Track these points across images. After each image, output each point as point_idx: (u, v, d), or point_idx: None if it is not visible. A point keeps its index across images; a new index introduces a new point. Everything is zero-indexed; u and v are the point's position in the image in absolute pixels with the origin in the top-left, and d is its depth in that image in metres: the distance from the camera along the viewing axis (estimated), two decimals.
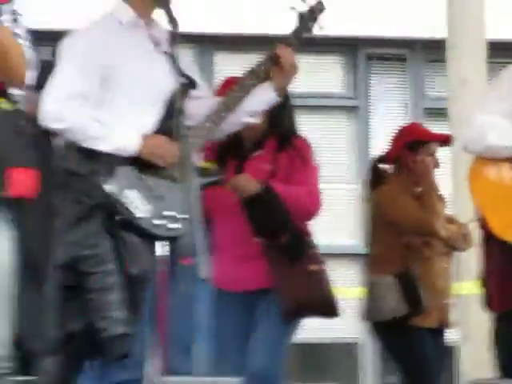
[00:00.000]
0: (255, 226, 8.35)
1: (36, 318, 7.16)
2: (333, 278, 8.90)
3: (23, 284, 6.93)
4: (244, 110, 7.46)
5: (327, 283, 8.62)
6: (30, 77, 6.72)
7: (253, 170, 8.33)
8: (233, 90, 7.46)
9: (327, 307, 8.62)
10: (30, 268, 7.50)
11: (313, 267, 8.51)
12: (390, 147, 11.10)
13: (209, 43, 19.67)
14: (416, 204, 10.68)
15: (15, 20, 7.11)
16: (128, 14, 7.06)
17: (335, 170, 19.73)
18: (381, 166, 11.16)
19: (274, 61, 7.43)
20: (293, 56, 7.64)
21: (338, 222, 19.55)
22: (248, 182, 8.19)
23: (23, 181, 6.79)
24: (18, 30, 7.07)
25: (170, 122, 6.79)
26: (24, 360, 7.33)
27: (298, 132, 8.83)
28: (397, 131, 11.40)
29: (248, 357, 8.17)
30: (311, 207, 8.51)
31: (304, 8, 7.76)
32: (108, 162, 6.82)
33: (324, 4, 7.79)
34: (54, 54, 7.83)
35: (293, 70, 7.59)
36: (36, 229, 7.89)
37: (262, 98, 7.55)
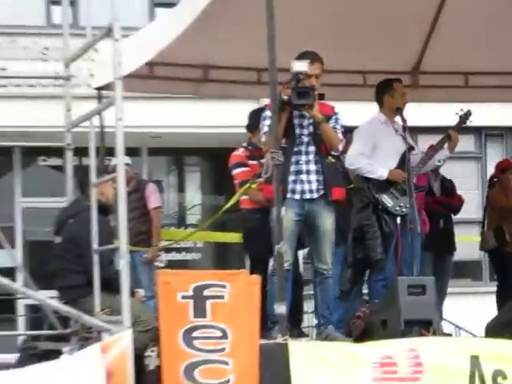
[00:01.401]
0: None
1: None
2: None
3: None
4: (436, 159, 14.15)
5: None
6: None
7: None
8: (430, 150, 14.16)
9: None
10: (340, 230, 12.55)
11: None
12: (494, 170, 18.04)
13: None
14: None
15: None
16: (383, 117, 13.21)
17: None
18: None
19: (449, 138, 13.95)
20: (457, 136, 14.30)
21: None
22: None
23: (341, 193, 12.28)
24: None
25: (403, 164, 12.98)
26: None
27: None
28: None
29: None
30: None
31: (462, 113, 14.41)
32: (375, 183, 13.07)
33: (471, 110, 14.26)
34: None
35: (457, 142, 14.27)
36: (345, 211, 13.06)
37: (443, 153, 14.26)
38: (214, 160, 27.31)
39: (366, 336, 10.69)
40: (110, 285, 10.44)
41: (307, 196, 11.25)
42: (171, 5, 20.12)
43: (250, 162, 12.73)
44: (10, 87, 21.69)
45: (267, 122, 11.03)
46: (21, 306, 20.15)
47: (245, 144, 13.72)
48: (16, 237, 21.83)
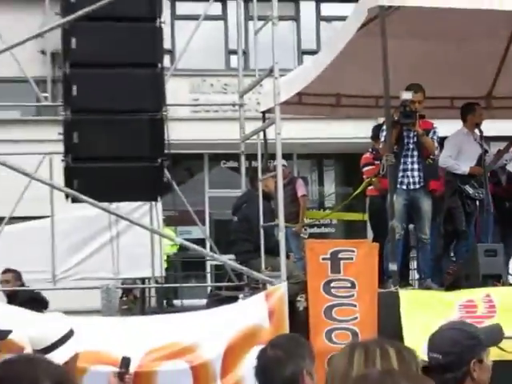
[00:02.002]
0: None
1: None
2: None
3: None
4: (504, 159, 13.19)
5: None
6: None
7: None
8: (499, 153, 13.10)
9: None
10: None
11: None
12: None
13: None
14: None
15: None
16: (465, 130, 12.55)
17: None
18: None
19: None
20: None
21: None
22: None
23: (436, 185, 12.35)
24: None
25: (480, 163, 12.25)
26: None
27: None
28: None
29: None
30: None
31: None
32: (460, 176, 12.37)
33: None
34: None
35: None
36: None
37: (509, 155, 13.11)
38: (344, 161, 26.62)
39: (454, 286, 10.82)
40: (272, 250, 10.63)
41: (411, 187, 11.28)
42: (314, 52, 20.55)
43: (376, 162, 12.86)
44: (201, 112, 21.89)
45: (383, 134, 11.29)
46: (209, 265, 20.12)
47: (370, 149, 13.86)
48: (205, 217, 21.81)
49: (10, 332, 7.08)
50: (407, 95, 10.91)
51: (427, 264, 11.78)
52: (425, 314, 9.67)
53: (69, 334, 6.20)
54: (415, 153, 11.29)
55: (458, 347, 3.68)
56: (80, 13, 9.58)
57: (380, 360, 2.78)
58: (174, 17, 22.38)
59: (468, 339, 3.77)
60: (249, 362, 9.31)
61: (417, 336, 9.02)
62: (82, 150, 10.06)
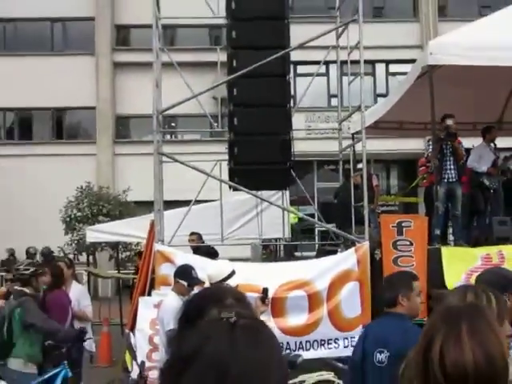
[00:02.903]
0: None
1: None
2: None
3: None
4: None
5: None
6: None
7: None
8: (506, 159, 11.78)
9: None
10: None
11: None
12: None
13: None
14: None
15: None
16: (485, 144, 11.96)
17: None
18: None
19: None
20: None
21: None
22: None
23: (465, 179, 11.82)
24: None
25: (494, 165, 11.81)
26: None
27: None
28: None
29: None
30: None
31: None
32: (480, 173, 11.85)
33: None
34: None
35: None
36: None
37: None
38: (402, 165, 26.67)
39: (477, 245, 10.69)
40: (358, 221, 10.69)
41: (450, 180, 11.09)
42: (385, 95, 20.55)
43: (427, 164, 12.74)
44: (312, 134, 21.81)
45: (431, 147, 11.39)
46: (317, 230, 19.71)
47: (424, 156, 13.88)
48: (315, 200, 21.86)
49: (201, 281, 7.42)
50: (450, 122, 10.97)
51: (459, 230, 11.74)
52: (457, 262, 9.73)
53: (232, 273, 6.69)
54: (451, 158, 11.21)
55: (499, 283, 3.62)
56: (239, 73, 9.87)
57: (485, 301, 2.83)
58: (296, 74, 22.22)
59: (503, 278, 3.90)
60: (344, 292, 9.65)
61: (452, 277, 9.24)
62: (239, 158, 10.35)
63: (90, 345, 8.85)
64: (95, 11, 26.28)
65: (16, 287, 7.39)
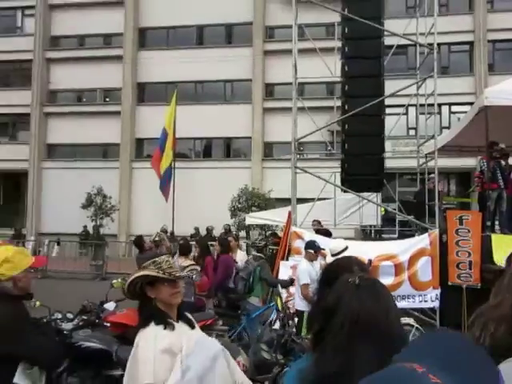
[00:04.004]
0: None
1: None
2: None
3: None
4: None
5: None
6: None
7: None
8: None
9: None
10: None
11: None
12: None
13: None
14: None
15: None
16: None
17: None
18: None
19: None
20: None
21: None
22: None
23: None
24: None
25: None
26: None
27: None
28: None
29: None
30: None
31: None
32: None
33: None
34: None
35: None
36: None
37: None
38: (459, 175, 24.32)
39: None
40: (431, 214, 10.25)
41: (500, 187, 10.37)
42: (448, 127, 19.58)
43: (481, 175, 11.79)
44: (398, 154, 20.90)
45: (484, 163, 10.53)
46: (397, 220, 19.08)
47: (478, 170, 12.88)
48: (396, 198, 21.44)
49: (321, 248, 7.35)
50: (502, 145, 10.26)
51: (505, 221, 10.83)
52: (503, 245, 8.92)
53: (346, 248, 6.51)
54: (500, 171, 10.47)
55: None
56: (349, 114, 9.75)
57: None
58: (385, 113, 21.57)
59: None
60: (420, 263, 9.27)
61: (499, 255, 8.62)
62: (348, 171, 10.23)
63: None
64: (252, 75, 26.80)
65: (254, 253, 8.03)
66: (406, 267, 9.25)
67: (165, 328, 2.27)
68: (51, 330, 3.78)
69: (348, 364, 1.36)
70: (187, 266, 6.45)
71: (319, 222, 12.40)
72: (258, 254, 7.60)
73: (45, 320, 4.73)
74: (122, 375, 4.46)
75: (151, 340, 2.21)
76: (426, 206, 10.61)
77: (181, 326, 2.36)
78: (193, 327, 2.46)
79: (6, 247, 2.76)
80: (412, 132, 23.31)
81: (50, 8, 29.63)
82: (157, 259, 2.47)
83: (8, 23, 30.25)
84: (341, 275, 1.88)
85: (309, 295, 6.51)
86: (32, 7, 29.48)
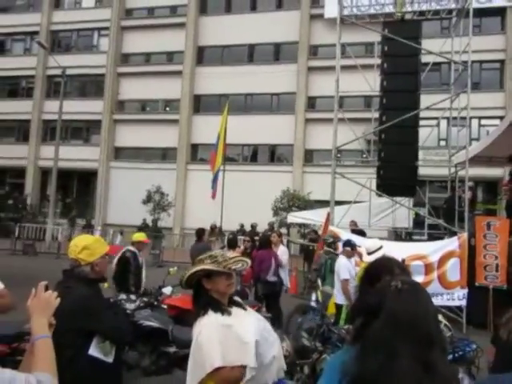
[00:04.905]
0: None
1: None
2: None
3: None
4: None
5: None
6: None
7: None
8: None
9: None
10: None
11: None
12: None
13: None
14: None
15: None
16: None
17: None
18: None
19: None
20: None
21: None
22: None
23: None
24: None
25: None
26: None
27: None
28: None
29: None
30: None
31: None
32: None
33: None
34: None
35: None
36: None
37: None
38: (486, 184, 22.98)
39: None
40: (460, 219, 9.86)
41: None
42: (478, 139, 18.68)
43: (509, 184, 11.31)
44: (430, 163, 19.89)
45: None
46: (426, 223, 18.28)
47: (505, 179, 12.36)
48: (425, 203, 20.69)
49: (357, 246, 7.16)
50: None
51: None
52: None
53: (381, 247, 6.28)
54: None
55: None
56: (387, 124, 9.55)
57: None
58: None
59: None
60: (449, 264, 8.96)
61: None
62: (384, 177, 10.04)
63: (286, 282, 8.92)
64: (296, 88, 26.60)
65: (326, 248, 8.05)
66: (435, 267, 9.01)
67: (222, 314, 2.25)
68: (121, 310, 3.84)
69: (388, 363, 1.34)
70: (233, 257, 6.51)
71: (355, 223, 12.20)
72: (329, 249, 7.64)
73: (111, 300, 4.86)
74: (176, 352, 4.74)
75: (213, 326, 2.18)
76: (456, 212, 10.23)
77: (235, 311, 2.34)
78: (245, 309, 2.44)
79: (85, 236, 2.84)
80: (442, 143, 22.56)
81: (122, 29, 30.57)
82: (212, 253, 2.44)
83: (86, 42, 31.37)
84: (382, 275, 1.86)
85: (348, 290, 6.36)
86: (107, 28, 30.52)
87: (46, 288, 1.71)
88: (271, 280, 7.85)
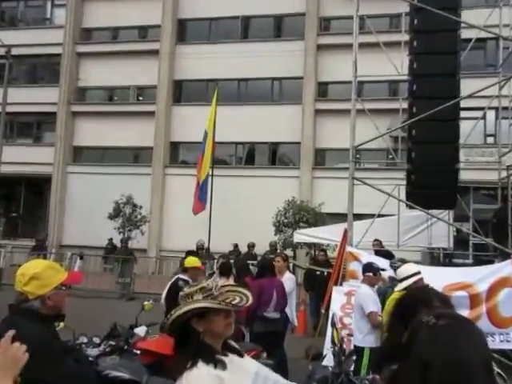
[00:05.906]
0: None
1: None
2: None
3: None
4: None
5: None
6: None
7: None
8: None
9: None
10: None
11: None
12: None
13: None
14: None
15: None
16: None
17: None
18: None
19: None
20: None
21: None
22: None
23: None
24: None
25: None
26: None
27: None
28: None
29: None
30: None
31: None
32: None
33: None
34: None
35: None
36: None
37: None
38: None
39: None
40: None
41: None
42: None
43: None
44: (470, 165, 20.09)
45: None
46: (471, 242, 18.25)
47: None
48: (470, 217, 20.69)
49: (382, 269, 7.22)
50: None
51: None
52: None
53: (417, 272, 6.19)
54: None
55: None
56: (418, 117, 9.60)
57: None
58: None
59: None
60: (502, 295, 8.91)
61: None
62: (415, 183, 10.11)
63: (292, 318, 8.83)
64: (303, 72, 26.61)
65: (390, 275, 7.97)
66: (483, 299, 8.95)
67: (215, 367, 2.18)
68: (84, 357, 3.78)
69: None
70: (231, 289, 6.38)
71: (380, 243, 12.22)
72: (393, 276, 7.61)
73: (69, 343, 4.79)
74: None
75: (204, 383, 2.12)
76: (510, 228, 10.22)
77: (231, 360, 2.28)
78: (241, 356, 2.38)
79: (36, 262, 2.79)
80: (490, 140, 22.63)
81: None
82: (204, 285, 2.38)
83: (36, 14, 31.22)
84: (418, 309, 1.85)
85: (382, 324, 6.30)
86: None
87: (12, 340, 1.66)
88: (271, 317, 7.68)
